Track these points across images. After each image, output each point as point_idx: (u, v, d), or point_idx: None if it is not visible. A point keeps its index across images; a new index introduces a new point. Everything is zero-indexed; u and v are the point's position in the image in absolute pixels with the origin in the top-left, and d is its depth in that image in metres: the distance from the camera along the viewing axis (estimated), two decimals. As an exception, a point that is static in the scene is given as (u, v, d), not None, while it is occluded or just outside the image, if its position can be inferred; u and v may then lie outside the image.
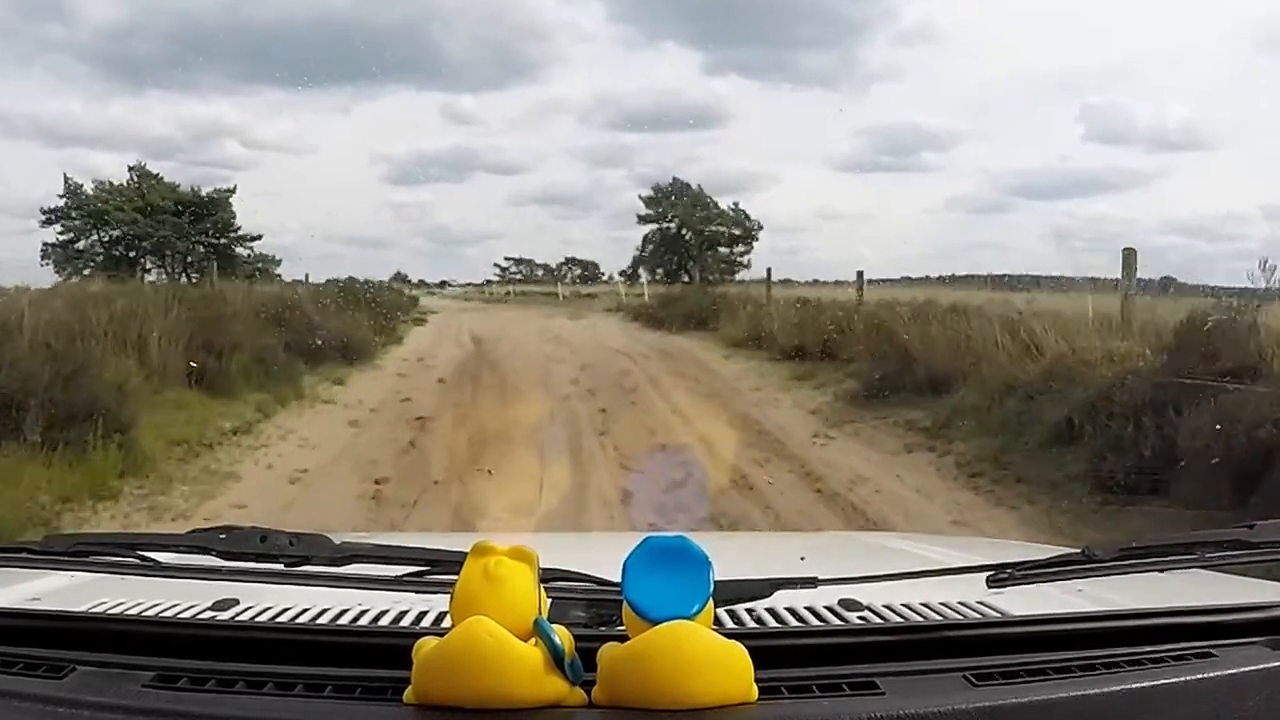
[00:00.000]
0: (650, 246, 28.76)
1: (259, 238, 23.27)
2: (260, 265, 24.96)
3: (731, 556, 1.27)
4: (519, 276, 31.05)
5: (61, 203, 21.41)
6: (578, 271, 30.62)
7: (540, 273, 30.90)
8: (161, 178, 22.92)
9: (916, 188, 29.36)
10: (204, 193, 23.22)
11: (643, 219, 28.28)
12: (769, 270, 16.15)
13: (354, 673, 0.72)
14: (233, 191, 23.66)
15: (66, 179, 21.82)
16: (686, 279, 26.79)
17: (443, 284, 30.26)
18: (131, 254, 22.66)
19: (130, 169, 23.23)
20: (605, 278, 29.68)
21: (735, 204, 27.98)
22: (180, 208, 22.49)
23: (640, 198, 27.83)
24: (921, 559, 1.43)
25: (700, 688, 0.64)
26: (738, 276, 26.19)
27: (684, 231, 27.78)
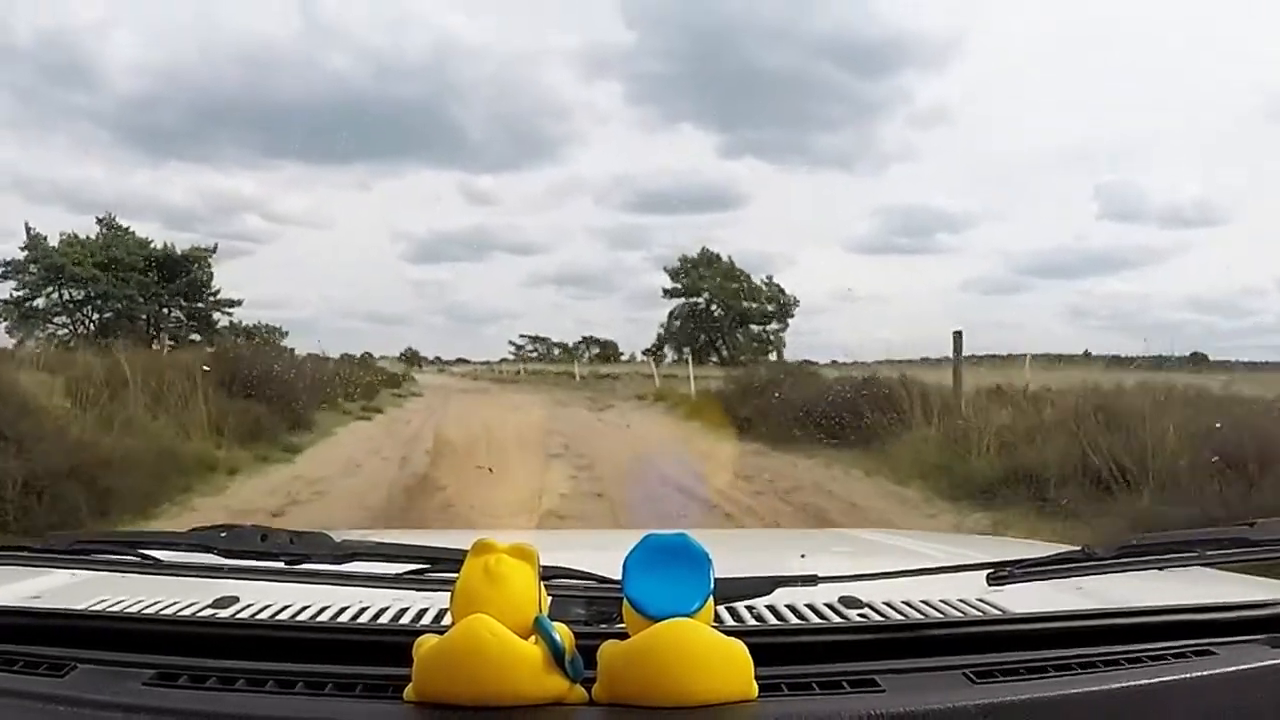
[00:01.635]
0: (677, 323, 26.60)
1: (239, 303, 21.50)
2: (265, 334, 23.82)
3: (731, 554, 1.27)
4: (535, 355, 30.05)
5: (22, 255, 19.63)
6: (595, 351, 29.48)
7: (557, 351, 30.03)
8: (133, 232, 20.97)
9: (932, 269, 29.48)
10: (179, 251, 21.25)
11: (669, 293, 26.38)
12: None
13: (354, 670, 0.72)
14: (211, 251, 21.71)
15: (29, 229, 19.90)
16: (715, 359, 24.82)
17: (459, 361, 30.01)
18: (94, 315, 20.52)
19: (99, 220, 21.06)
20: (626, 357, 27.86)
21: (769, 278, 26.14)
22: (149, 265, 20.50)
23: (666, 270, 26.16)
24: (922, 557, 1.43)
25: (700, 685, 0.64)
26: (770, 357, 24.26)
27: (713, 306, 25.88)
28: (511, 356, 30.02)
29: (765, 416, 9.96)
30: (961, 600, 0.93)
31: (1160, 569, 0.90)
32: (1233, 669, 0.74)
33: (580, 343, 29.94)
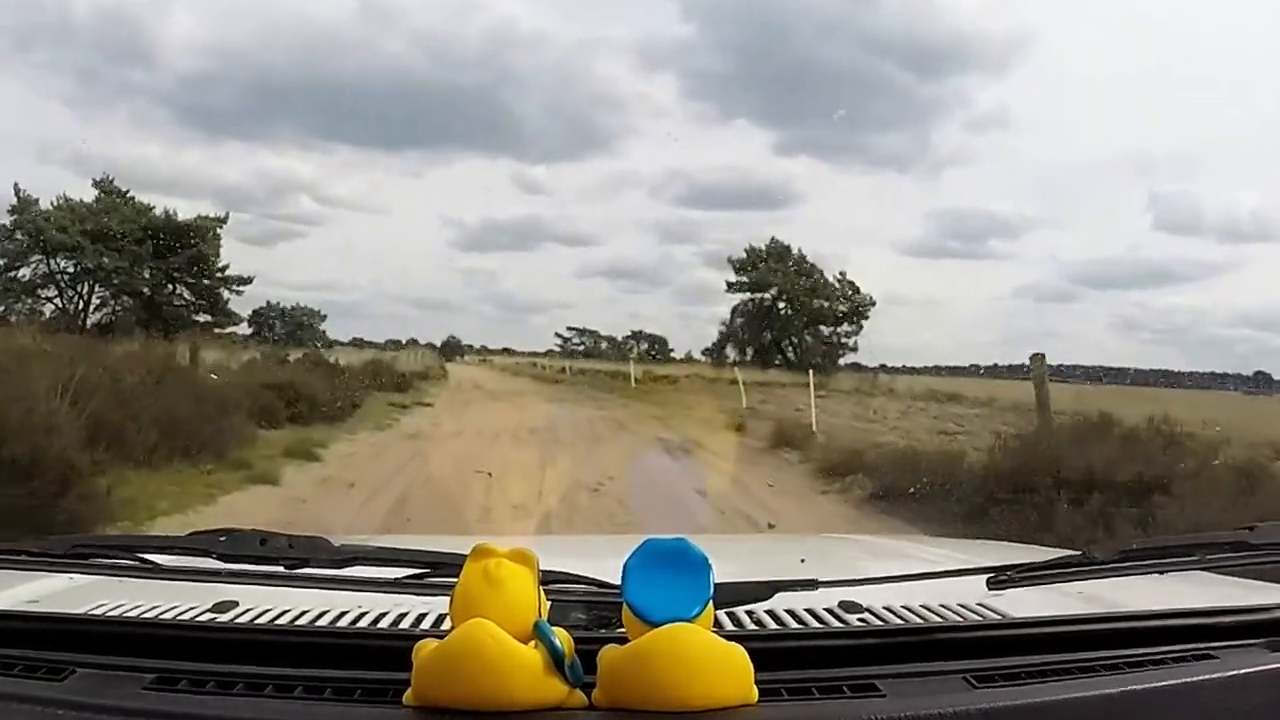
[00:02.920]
0: (740, 320, 23.76)
1: (249, 280, 19.57)
2: (303, 320, 22.38)
3: (731, 559, 1.27)
4: (581, 348, 28.49)
5: (7, 221, 16.94)
6: (645, 346, 27.90)
7: (605, 345, 28.65)
8: (132, 198, 18.27)
9: (985, 274, 29.50)
10: (181, 219, 18.59)
11: (732, 286, 23.63)
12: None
13: (354, 675, 0.72)
14: (221, 221, 19.18)
15: (18, 191, 17.28)
16: (779, 360, 22.25)
17: (504, 350, 29.42)
18: (87, 290, 17.98)
19: (95, 183, 18.33)
20: (677, 354, 25.41)
21: (842, 274, 23.38)
22: (146, 236, 17.84)
23: (730, 261, 23.33)
24: (922, 561, 1.43)
25: (700, 690, 0.64)
26: (841, 361, 21.93)
27: (780, 304, 23.13)
28: (558, 349, 28.71)
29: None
30: (962, 605, 0.93)
31: (1160, 573, 0.90)
32: (1232, 673, 0.74)
33: (630, 337, 28.80)
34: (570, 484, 7.16)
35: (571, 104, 29.30)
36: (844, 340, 23.65)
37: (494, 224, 31.89)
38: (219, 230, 19.37)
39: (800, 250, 23.36)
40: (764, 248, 23.46)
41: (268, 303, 23.23)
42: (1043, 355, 7.90)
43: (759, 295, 23.60)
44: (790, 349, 23.58)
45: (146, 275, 18.73)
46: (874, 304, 23.18)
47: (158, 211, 18.70)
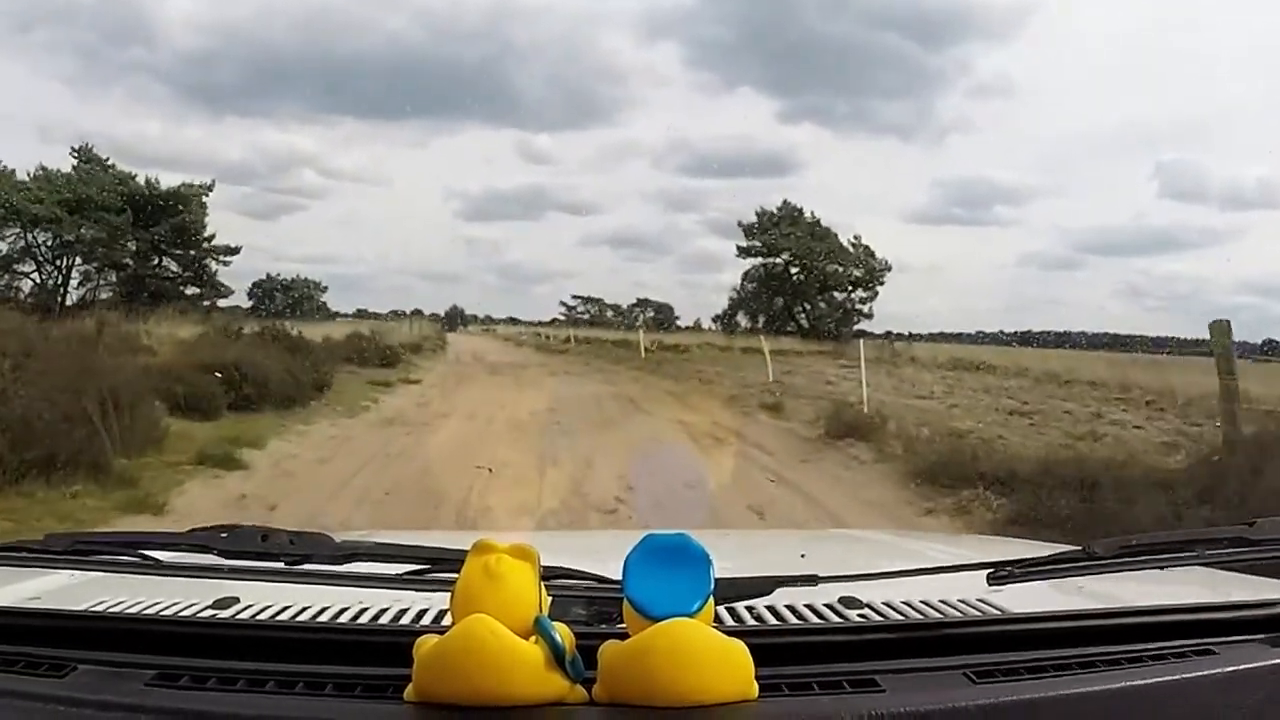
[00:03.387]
0: (750, 286, 22.85)
1: (236, 250, 18.43)
2: (304, 292, 21.83)
3: (732, 554, 1.27)
4: (586, 316, 27.92)
5: None
6: (650, 314, 27.30)
7: (610, 313, 28.10)
8: (112, 166, 17.00)
9: (989, 242, 29.12)
10: (164, 186, 17.28)
11: (743, 251, 22.63)
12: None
13: (355, 671, 0.72)
14: (207, 189, 17.86)
15: None
16: (792, 328, 21.28)
17: (509, 320, 29.22)
18: (68, 264, 16.86)
19: (73, 151, 17.24)
20: (684, 323, 24.46)
21: (857, 238, 22.34)
22: (127, 205, 16.66)
23: (741, 225, 22.25)
24: (922, 556, 1.43)
25: (701, 685, 0.64)
26: (855, 327, 20.72)
27: (793, 269, 22.14)
28: (562, 317, 28.14)
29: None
30: (962, 600, 0.93)
31: (1160, 568, 0.90)
32: (1232, 668, 0.74)
33: (635, 305, 28.23)
34: (577, 499, 5.86)
35: (574, 73, 29.26)
36: (858, 307, 22.71)
37: (498, 194, 32.01)
38: (205, 198, 18.17)
39: (813, 214, 22.36)
40: (775, 210, 22.50)
41: (268, 275, 22.96)
42: (1227, 323, 5.87)
43: (770, 260, 22.66)
44: (803, 315, 22.70)
45: (129, 247, 17.56)
46: (889, 269, 22.19)
47: (140, 180, 17.56)
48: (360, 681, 0.71)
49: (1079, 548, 0.91)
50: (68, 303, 16.49)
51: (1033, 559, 0.91)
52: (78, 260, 17.62)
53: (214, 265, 19.10)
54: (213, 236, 18.60)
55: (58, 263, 17.56)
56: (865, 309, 22.67)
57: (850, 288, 22.57)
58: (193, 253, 18.57)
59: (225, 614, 0.88)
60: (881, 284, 22.36)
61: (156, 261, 18.52)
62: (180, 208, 17.63)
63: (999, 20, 30.67)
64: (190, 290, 18.70)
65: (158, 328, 11.97)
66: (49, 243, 17.15)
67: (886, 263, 22.30)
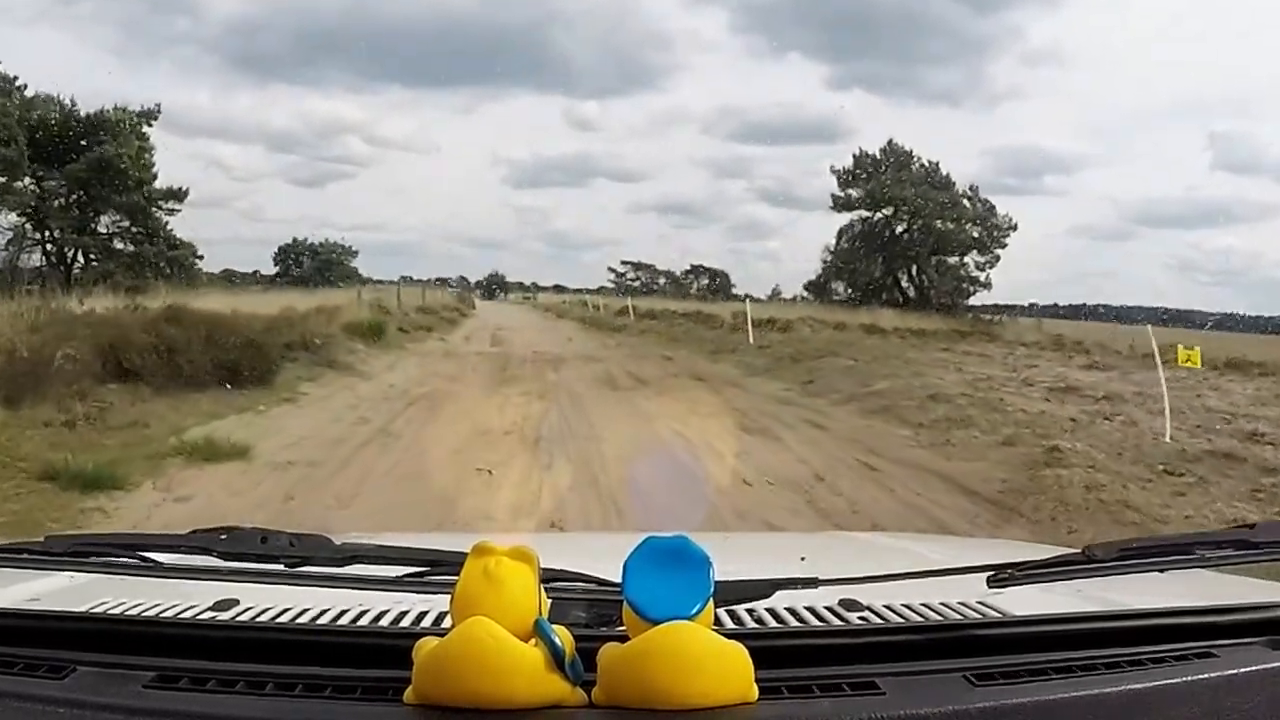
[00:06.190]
0: (846, 246, 17.72)
1: (184, 194, 13.33)
2: (332, 256, 20.55)
3: (731, 557, 1.26)
4: (636, 284, 24.86)
5: None
6: (705, 281, 24.74)
7: (662, 280, 25.54)
8: (23, 88, 12.01)
9: (1040, 211, 28.58)
10: (82, 113, 12.29)
11: (839, 204, 17.41)
12: None
13: (354, 673, 0.72)
14: (147, 117, 12.50)
15: None
16: (900, 297, 16.62)
17: (556, 288, 28.57)
18: None
19: None
20: (739, 292, 20.29)
21: (973, 188, 17.11)
22: (33, 136, 11.74)
23: (833, 170, 17.13)
24: (922, 559, 1.43)
25: (700, 688, 0.64)
26: (971, 300, 16.30)
27: (896, 225, 17.09)
28: (611, 285, 25.28)
29: None
30: (962, 603, 0.93)
31: (1160, 571, 0.90)
32: (1233, 671, 0.74)
33: (689, 272, 25.57)
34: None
35: (621, 39, 29.03)
36: (974, 274, 17.90)
37: (545, 161, 31.77)
38: (143, 128, 13.17)
39: (928, 160, 17.18)
40: (877, 154, 17.59)
41: (294, 239, 21.91)
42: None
43: (872, 214, 17.60)
44: (909, 284, 17.86)
45: (27, 187, 12.48)
46: (1014, 228, 17.33)
47: (54, 110, 12.77)
48: (360, 684, 0.71)
49: (1079, 550, 0.91)
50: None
51: (1033, 562, 0.91)
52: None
53: (161, 215, 14.11)
54: (154, 178, 13.39)
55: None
56: (982, 276, 17.91)
57: (965, 250, 17.76)
58: (128, 197, 13.47)
59: (225, 616, 0.88)
60: (1004, 246, 17.56)
61: (78, 214, 13.31)
62: (98, 132, 12.47)
63: (1050, -16, 29.87)
64: (127, 247, 13.58)
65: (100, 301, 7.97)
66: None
67: (1011, 220, 17.50)
